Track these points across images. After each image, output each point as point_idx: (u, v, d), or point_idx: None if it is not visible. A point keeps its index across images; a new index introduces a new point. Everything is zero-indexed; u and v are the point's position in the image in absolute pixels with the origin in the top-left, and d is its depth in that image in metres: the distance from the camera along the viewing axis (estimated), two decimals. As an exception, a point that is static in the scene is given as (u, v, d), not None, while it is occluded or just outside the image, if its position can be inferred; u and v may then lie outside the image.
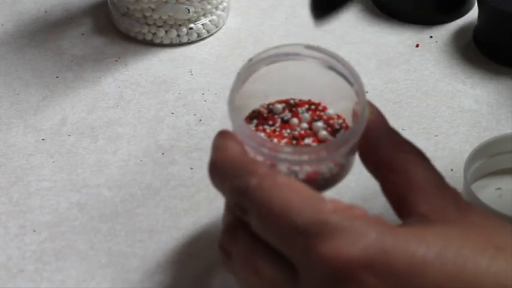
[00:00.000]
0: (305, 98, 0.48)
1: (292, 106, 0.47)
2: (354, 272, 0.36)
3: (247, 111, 0.47)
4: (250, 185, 0.40)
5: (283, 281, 0.39)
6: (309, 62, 0.47)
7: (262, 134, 0.46)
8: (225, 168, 0.41)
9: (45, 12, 0.73)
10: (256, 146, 0.43)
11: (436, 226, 0.39)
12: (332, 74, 0.46)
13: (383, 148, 0.43)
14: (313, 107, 0.47)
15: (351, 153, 0.45)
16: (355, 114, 0.45)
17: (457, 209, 0.40)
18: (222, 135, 0.43)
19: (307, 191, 0.39)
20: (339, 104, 0.47)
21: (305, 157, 0.42)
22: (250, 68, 0.46)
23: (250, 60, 0.46)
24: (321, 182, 0.44)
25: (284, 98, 0.48)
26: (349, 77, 0.45)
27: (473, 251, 0.37)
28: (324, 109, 0.47)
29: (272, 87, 0.47)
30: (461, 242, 0.38)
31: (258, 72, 0.46)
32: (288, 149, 0.43)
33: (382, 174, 0.43)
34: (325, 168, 0.44)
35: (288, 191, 0.39)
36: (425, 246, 0.37)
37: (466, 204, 0.41)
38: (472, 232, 0.39)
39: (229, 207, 0.44)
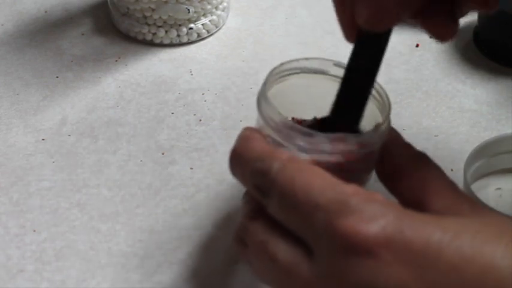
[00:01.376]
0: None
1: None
2: (372, 248, 0.37)
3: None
4: (273, 168, 0.41)
5: (297, 263, 0.40)
6: (335, 79, 0.47)
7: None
8: (248, 155, 0.43)
9: (45, 12, 0.73)
10: (290, 133, 0.43)
11: (451, 217, 0.40)
12: None
13: (398, 158, 0.44)
14: None
15: (366, 169, 0.45)
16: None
17: (471, 208, 0.41)
18: (246, 128, 0.45)
19: (328, 175, 0.41)
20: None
21: (327, 145, 0.43)
22: (281, 72, 0.47)
23: (282, 64, 0.47)
24: None
25: (307, 113, 0.48)
26: (375, 95, 0.45)
27: (489, 237, 0.38)
28: None
29: (292, 102, 0.47)
30: (477, 228, 0.38)
31: (281, 84, 0.47)
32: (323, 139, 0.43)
33: (398, 181, 0.44)
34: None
35: (310, 174, 0.40)
36: (441, 230, 0.38)
37: (479, 205, 0.41)
38: (487, 224, 0.39)
39: (247, 198, 0.44)
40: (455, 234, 0.38)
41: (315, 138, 0.43)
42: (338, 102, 0.45)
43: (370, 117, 0.46)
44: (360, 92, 0.45)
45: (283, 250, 0.41)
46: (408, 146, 0.45)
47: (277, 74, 0.47)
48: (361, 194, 0.39)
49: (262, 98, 0.45)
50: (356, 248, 0.37)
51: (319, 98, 0.47)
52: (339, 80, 0.46)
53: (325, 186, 0.40)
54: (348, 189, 0.39)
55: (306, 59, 0.47)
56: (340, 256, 0.38)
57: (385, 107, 0.45)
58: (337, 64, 0.47)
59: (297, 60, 0.47)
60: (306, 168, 0.41)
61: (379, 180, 0.45)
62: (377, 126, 0.45)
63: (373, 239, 0.37)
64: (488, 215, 0.41)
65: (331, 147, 0.43)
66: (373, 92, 0.46)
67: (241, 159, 0.43)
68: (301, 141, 0.43)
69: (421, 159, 0.44)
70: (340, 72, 0.46)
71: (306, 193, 0.40)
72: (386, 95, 0.46)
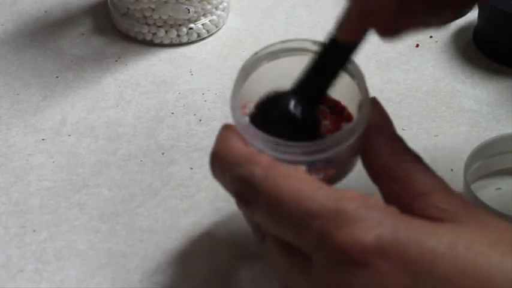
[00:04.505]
0: None
1: None
2: (368, 258, 0.37)
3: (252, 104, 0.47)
4: (255, 174, 0.40)
5: (295, 272, 0.40)
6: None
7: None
8: (227, 158, 0.42)
9: (45, 12, 0.73)
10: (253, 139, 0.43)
11: (447, 223, 0.39)
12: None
13: (383, 157, 0.43)
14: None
15: (351, 153, 0.44)
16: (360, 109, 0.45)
17: (467, 211, 0.40)
18: (225, 128, 0.43)
19: (315, 180, 0.40)
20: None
21: (296, 149, 0.42)
22: (255, 62, 0.46)
23: (256, 53, 0.46)
24: None
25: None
26: (353, 72, 0.45)
27: (485, 246, 0.37)
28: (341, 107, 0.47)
29: (277, 82, 0.46)
30: (473, 237, 0.38)
31: (264, 66, 0.46)
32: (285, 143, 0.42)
33: (383, 183, 0.43)
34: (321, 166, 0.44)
35: (296, 180, 0.39)
36: (437, 238, 0.37)
37: (474, 207, 0.41)
38: (484, 229, 0.39)
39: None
40: (451, 242, 0.37)
41: (282, 147, 0.42)
42: (310, 75, 0.44)
43: (354, 96, 0.45)
44: (332, 69, 0.44)
45: (282, 257, 0.40)
46: (392, 143, 0.44)
47: (254, 63, 0.46)
48: (356, 200, 0.38)
49: (231, 99, 0.44)
50: (353, 260, 0.37)
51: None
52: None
53: (316, 192, 0.39)
54: (342, 195, 0.39)
55: (282, 41, 0.46)
56: (337, 266, 0.37)
57: (362, 84, 0.44)
58: (315, 42, 0.46)
59: (272, 44, 0.46)
60: (290, 174, 0.40)
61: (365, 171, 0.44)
62: (359, 107, 0.44)
63: (370, 249, 0.37)
64: (484, 217, 0.40)
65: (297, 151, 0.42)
66: (353, 71, 0.45)
67: (219, 163, 0.42)
68: (267, 148, 0.42)
69: (407, 158, 0.43)
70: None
71: (296, 201, 0.39)
72: (361, 72, 0.45)
